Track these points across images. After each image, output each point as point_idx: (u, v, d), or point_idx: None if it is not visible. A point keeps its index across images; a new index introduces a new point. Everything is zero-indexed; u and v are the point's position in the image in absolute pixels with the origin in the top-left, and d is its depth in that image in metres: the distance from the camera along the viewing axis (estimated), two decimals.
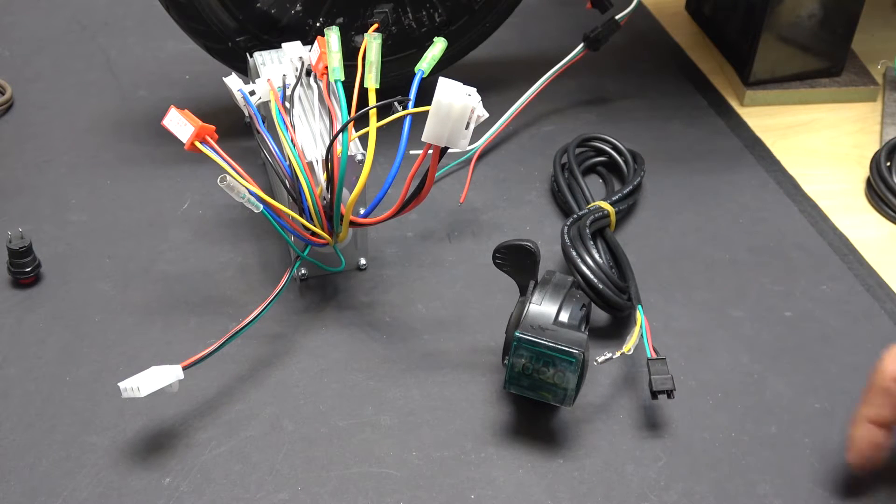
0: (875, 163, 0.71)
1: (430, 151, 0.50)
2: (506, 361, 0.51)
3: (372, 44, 0.54)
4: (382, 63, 0.54)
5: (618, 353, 0.52)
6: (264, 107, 0.59)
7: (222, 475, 0.50)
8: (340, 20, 0.72)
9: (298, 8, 0.70)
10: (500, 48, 0.83)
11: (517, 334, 0.49)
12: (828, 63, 0.81)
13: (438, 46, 0.54)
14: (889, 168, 0.70)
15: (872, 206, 0.70)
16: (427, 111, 0.48)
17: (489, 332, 0.58)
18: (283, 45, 0.62)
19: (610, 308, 0.57)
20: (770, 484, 0.50)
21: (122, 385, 0.49)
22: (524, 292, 0.53)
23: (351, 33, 0.72)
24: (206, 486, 0.49)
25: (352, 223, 0.55)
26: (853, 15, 0.78)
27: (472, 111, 0.48)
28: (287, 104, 0.58)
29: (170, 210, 0.67)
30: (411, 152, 0.51)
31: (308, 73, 0.61)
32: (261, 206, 0.52)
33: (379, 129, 0.53)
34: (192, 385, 0.53)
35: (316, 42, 0.59)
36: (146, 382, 0.49)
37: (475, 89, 0.48)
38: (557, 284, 0.53)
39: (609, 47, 0.75)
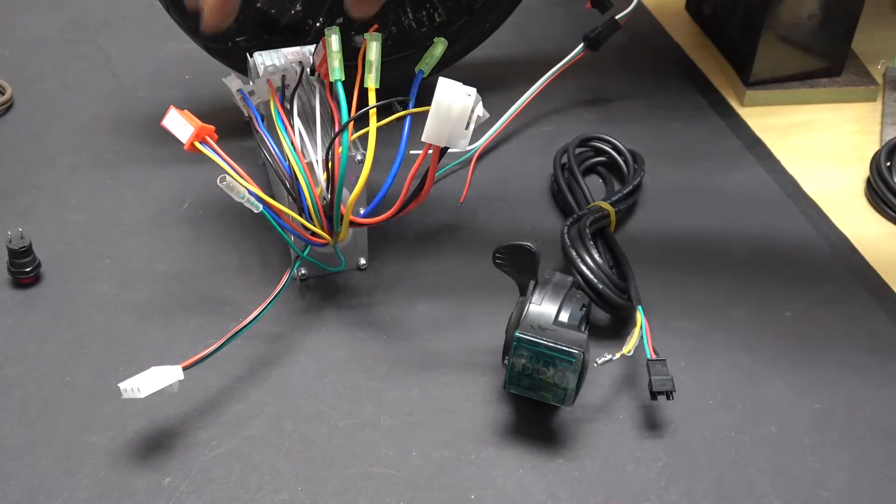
0: (875, 163, 0.71)
1: (430, 151, 0.50)
2: (506, 361, 0.51)
3: (372, 44, 0.54)
4: (382, 63, 0.54)
5: (618, 355, 0.52)
6: (264, 106, 0.59)
7: (222, 475, 0.50)
8: (340, 20, 0.72)
9: (298, 8, 0.70)
10: (500, 48, 0.83)
11: (517, 334, 0.49)
12: (828, 63, 0.81)
13: (438, 47, 0.54)
14: (889, 168, 0.70)
15: (872, 206, 0.70)
16: (427, 111, 0.48)
17: (489, 332, 0.58)
18: (283, 49, 0.62)
19: (610, 308, 0.57)
20: (770, 484, 0.50)
21: (122, 385, 0.49)
22: (524, 292, 0.53)
23: (351, 33, 0.72)
24: (206, 486, 0.49)
25: (352, 223, 0.55)
26: (853, 15, 0.78)
27: (472, 111, 0.48)
28: (287, 105, 0.58)
29: (170, 210, 0.67)
30: (411, 152, 0.51)
31: (312, 72, 0.61)
32: (261, 206, 0.52)
33: (379, 129, 0.53)
34: (192, 385, 0.53)
35: (320, 42, 0.59)
36: (146, 383, 0.49)
37: (475, 89, 0.48)
38: (557, 284, 0.53)
39: (609, 47, 0.75)
